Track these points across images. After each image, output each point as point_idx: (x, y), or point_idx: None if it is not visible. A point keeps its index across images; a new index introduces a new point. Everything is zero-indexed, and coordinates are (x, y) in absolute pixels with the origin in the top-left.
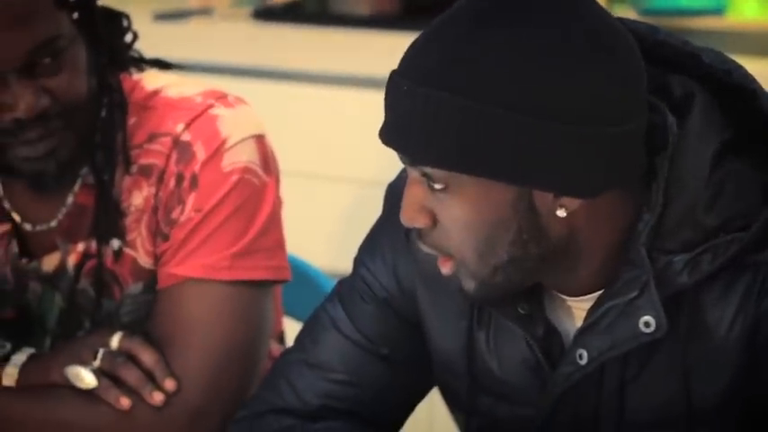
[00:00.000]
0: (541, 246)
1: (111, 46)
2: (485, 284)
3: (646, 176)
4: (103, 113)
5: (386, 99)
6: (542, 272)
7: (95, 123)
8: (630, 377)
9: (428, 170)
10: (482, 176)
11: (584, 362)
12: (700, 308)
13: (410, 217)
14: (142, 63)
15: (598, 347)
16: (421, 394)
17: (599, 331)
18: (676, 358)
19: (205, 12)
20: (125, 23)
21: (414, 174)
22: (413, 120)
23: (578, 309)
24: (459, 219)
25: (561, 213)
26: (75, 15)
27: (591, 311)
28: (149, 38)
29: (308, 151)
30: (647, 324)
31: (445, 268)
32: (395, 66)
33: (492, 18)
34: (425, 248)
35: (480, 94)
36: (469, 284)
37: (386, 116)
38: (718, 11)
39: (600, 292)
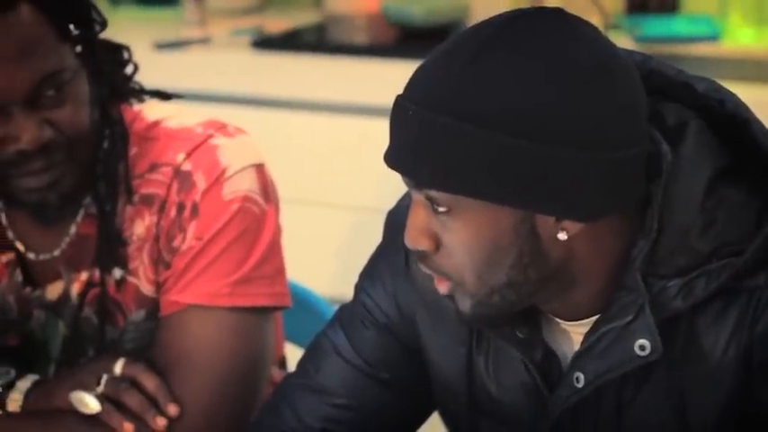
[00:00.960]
0: (540, 270)
1: (112, 78)
2: (480, 304)
3: (642, 203)
4: (105, 144)
5: (391, 123)
6: (539, 295)
7: (97, 154)
8: (627, 399)
9: (432, 193)
10: (486, 200)
11: (580, 385)
12: (694, 331)
13: (414, 239)
14: (143, 94)
15: (594, 371)
16: (421, 419)
17: (595, 355)
18: (672, 380)
19: (204, 41)
20: (126, 55)
21: (418, 197)
22: (418, 144)
23: (576, 333)
24: (461, 241)
25: (562, 237)
26: (78, 48)
27: (587, 335)
28: (150, 66)
29: (308, 179)
30: (642, 347)
31: (442, 287)
32: (392, 94)
33: (497, 45)
34: (425, 270)
35: (485, 119)
36: (465, 304)
37: (391, 140)
38: (713, 38)
39: (596, 316)
